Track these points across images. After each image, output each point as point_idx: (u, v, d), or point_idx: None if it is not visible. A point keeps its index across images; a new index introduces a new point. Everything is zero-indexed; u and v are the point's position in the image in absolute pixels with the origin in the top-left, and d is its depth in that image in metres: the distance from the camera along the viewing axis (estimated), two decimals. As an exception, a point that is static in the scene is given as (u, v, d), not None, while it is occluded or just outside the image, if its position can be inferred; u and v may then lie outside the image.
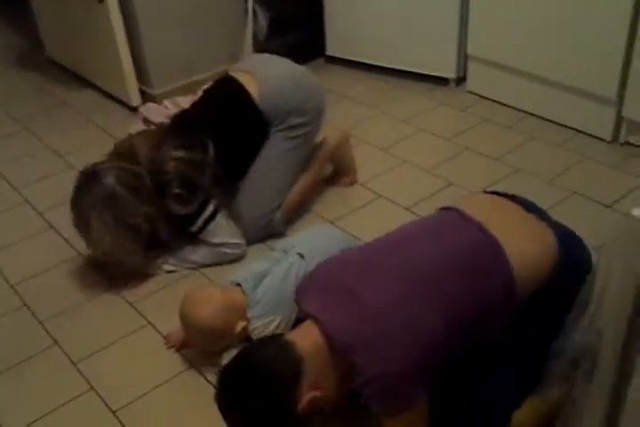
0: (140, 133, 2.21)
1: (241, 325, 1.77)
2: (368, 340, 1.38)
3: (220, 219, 2.14)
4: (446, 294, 1.43)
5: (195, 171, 2.07)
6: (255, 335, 1.77)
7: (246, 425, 1.48)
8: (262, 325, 1.78)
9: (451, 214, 1.61)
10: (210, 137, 2.11)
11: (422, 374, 1.40)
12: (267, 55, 2.40)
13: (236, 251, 2.18)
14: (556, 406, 1.56)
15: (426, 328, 1.39)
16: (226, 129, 2.18)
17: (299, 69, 2.33)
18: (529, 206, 1.67)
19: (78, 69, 3.40)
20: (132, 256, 2.09)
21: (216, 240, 2.15)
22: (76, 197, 2.05)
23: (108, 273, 2.17)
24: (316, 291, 1.53)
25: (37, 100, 3.27)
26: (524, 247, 1.52)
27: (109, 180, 1.99)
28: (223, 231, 2.15)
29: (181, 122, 2.22)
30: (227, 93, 2.26)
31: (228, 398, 1.46)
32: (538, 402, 1.55)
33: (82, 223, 2.05)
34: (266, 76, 2.24)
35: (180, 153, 2.07)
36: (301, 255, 1.86)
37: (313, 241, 1.93)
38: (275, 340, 1.49)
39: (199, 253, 2.18)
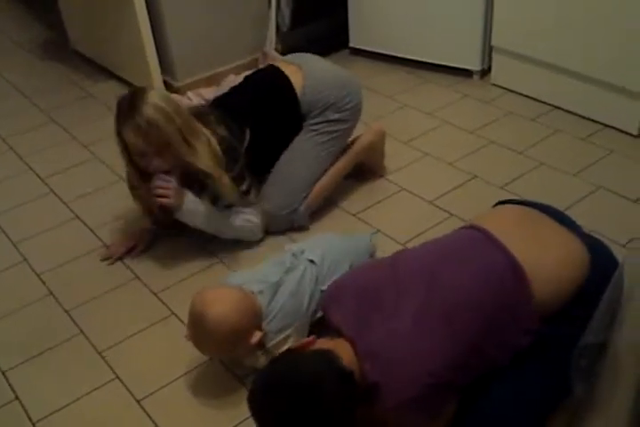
0: None
1: (258, 335, 1.67)
2: (390, 369, 1.39)
3: (253, 197, 2.16)
4: (465, 327, 1.42)
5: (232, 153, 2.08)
6: (271, 349, 1.74)
7: None
8: (280, 340, 1.74)
9: (475, 237, 1.56)
10: (248, 124, 2.13)
11: (442, 394, 1.42)
12: (311, 54, 2.41)
13: (256, 234, 2.21)
14: (582, 403, 1.55)
15: (441, 358, 1.39)
16: (263, 117, 2.19)
17: (341, 69, 2.37)
18: (559, 216, 1.63)
19: (103, 61, 3.42)
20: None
21: (245, 216, 2.16)
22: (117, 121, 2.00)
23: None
24: (345, 307, 1.51)
25: (63, 92, 3.30)
26: (554, 267, 1.49)
27: (149, 109, 1.94)
28: (253, 210, 2.17)
29: (221, 104, 2.22)
30: (269, 81, 2.27)
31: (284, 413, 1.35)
32: (568, 408, 1.54)
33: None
34: (312, 69, 2.27)
35: (221, 130, 2.07)
36: (312, 261, 1.85)
37: (322, 247, 1.92)
38: (323, 355, 1.41)
39: (224, 214, 2.15)
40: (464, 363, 1.42)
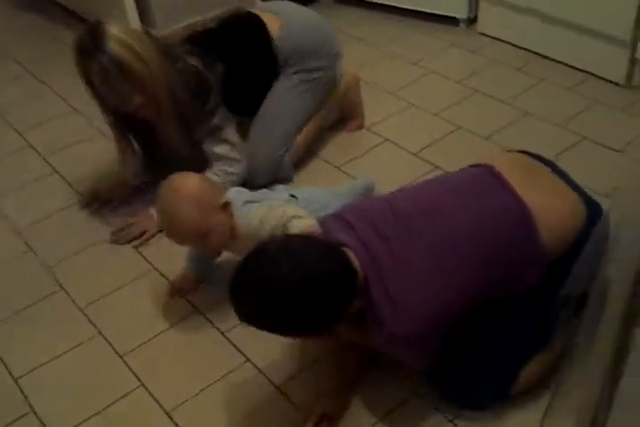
0: None
1: (224, 198, 1.66)
2: (394, 296, 1.36)
3: (229, 130, 2.09)
4: (473, 266, 1.39)
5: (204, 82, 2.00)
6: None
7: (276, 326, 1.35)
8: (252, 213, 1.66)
9: (484, 175, 1.53)
10: (222, 61, 2.05)
11: (435, 334, 1.42)
12: (287, 2, 2.35)
13: (237, 170, 2.10)
14: (560, 352, 1.57)
15: (448, 299, 1.37)
16: (237, 56, 2.12)
17: (319, 16, 2.31)
18: (555, 168, 1.61)
19: (79, 9, 3.32)
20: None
21: (217, 150, 2.07)
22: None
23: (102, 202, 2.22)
24: (346, 228, 1.44)
25: (38, 43, 3.21)
26: (557, 215, 1.47)
27: (113, 46, 1.82)
28: (229, 142, 2.08)
29: (194, 41, 2.10)
30: (245, 26, 2.20)
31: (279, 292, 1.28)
32: (546, 354, 1.55)
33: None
34: (289, 17, 2.21)
35: (193, 60, 1.99)
36: (294, 196, 1.77)
37: (311, 191, 1.88)
38: (335, 247, 1.38)
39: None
40: (470, 296, 1.40)
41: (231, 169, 2.11)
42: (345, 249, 1.39)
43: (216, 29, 2.21)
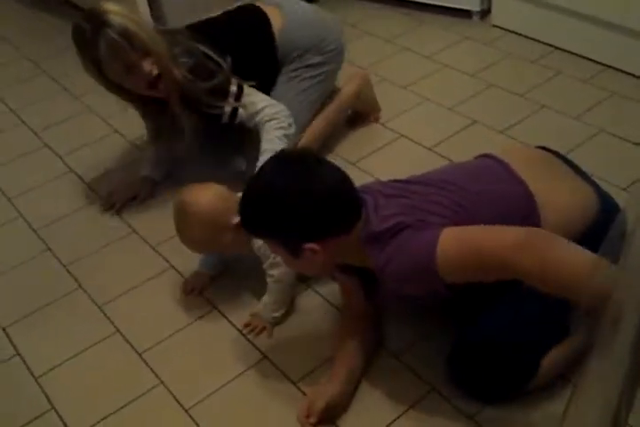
0: None
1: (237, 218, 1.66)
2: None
3: (250, 89, 2.02)
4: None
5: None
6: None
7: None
8: None
9: (488, 162, 1.55)
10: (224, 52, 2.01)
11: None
12: None
13: (289, 118, 2.01)
14: (580, 346, 1.55)
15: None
16: (237, 51, 2.04)
17: (321, 11, 2.29)
18: (570, 163, 1.61)
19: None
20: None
21: (259, 106, 2.00)
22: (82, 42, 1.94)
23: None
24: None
25: (51, 42, 3.22)
26: (564, 205, 1.47)
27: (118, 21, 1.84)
28: (259, 96, 2.02)
29: (196, 28, 2.10)
30: (248, 19, 2.17)
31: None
32: (566, 345, 1.54)
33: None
34: (291, 10, 2.19)
35: (201, 47, 1.97)
36: None
37: None
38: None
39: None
40: None
41: (279, 117, 2.00)
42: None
43: (218, 20, 2.18)
